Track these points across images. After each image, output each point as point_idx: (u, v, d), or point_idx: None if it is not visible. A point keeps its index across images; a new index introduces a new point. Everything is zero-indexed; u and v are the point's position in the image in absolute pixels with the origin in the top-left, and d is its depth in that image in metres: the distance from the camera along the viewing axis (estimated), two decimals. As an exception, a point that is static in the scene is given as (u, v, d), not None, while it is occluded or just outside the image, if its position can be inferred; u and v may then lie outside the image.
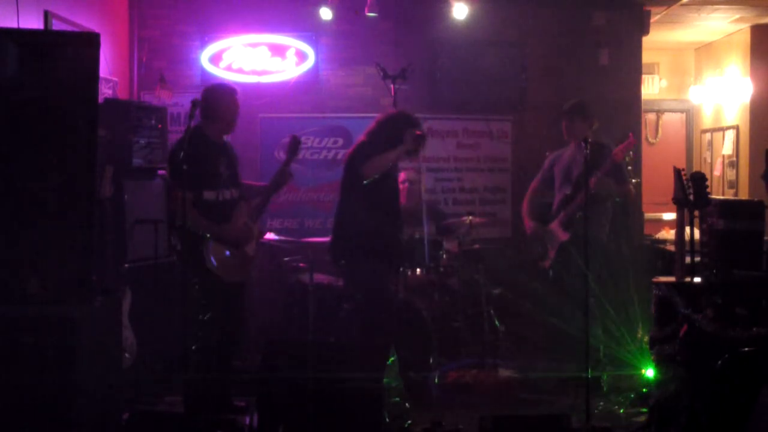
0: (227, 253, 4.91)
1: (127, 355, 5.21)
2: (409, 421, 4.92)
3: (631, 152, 7.01)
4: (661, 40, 9.18)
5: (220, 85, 5.35)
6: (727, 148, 9.19)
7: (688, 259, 4.63)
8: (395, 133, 5.26)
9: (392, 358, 4.72)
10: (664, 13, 8.02)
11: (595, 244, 5.63)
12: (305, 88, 7.47)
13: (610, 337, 5.75)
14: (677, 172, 4.63)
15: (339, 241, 5.37)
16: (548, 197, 6.15)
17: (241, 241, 5.00)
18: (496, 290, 6.49)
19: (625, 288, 5.99)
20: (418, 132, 5.26)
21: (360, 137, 5.45)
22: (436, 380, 5.67)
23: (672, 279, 4.69)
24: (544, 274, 6.03)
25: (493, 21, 7.44)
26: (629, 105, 7.69)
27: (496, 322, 6.30)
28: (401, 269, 5.84)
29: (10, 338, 3.93)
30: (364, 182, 5.16)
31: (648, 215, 8.11)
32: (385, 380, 4.55)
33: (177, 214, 4.80)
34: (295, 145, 5.22)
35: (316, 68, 7.44)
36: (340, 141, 7.38)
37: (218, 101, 5.02)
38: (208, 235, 4.85)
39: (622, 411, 5.34)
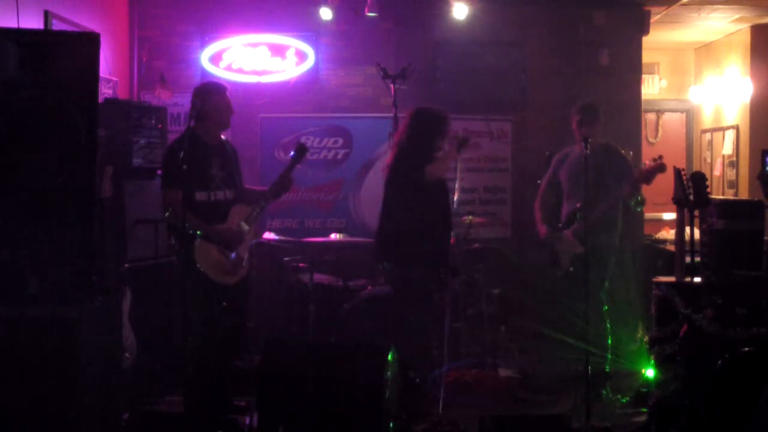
0: (217, 253, 4.91)
1: (127, 355, 5.21)
2: (409, 421, 4.93)
3: (631, 152, 7.01)
4: (661, 40, 9.18)
5: (208, 84, 5.30)
6: (727, 148, 9.19)
7: (688, 259, 4.63)
8: (433, 126, 5.32)
9: (392, 358, 4.72)
10: (664, 13, 8.02)
11: (609, 253, 5.62)
12: (305, 88, 7.47)
13: (615, 341, 5.74)
14: (677, 172, 4.64)
15: (388, 244, 5.34)
16: (554, 198, 6.10)
17: (233, 242, 4.98)
18: (496, 290, 6.49)
19: (626, 288, 5.99)
20: (460, 137, 5.36)
21: (397, 144, 5.39)
22: (436, 380, 5.67)
23: (672, 279, 4.70)
24: (549, 276, 6.01)
25: (493, 21, 7.44)
26: (629, 105, 7.69)
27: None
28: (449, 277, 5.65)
29: (10, 338, 3.93)
30: (425, 180, 5.22)
31: (648, 215, 8.10)
32: (385, 380, 4.55)
33: (170, 214, 4.81)
34: (300, 153, 5.15)
35: (316, 68, 7.44)
36: (340, 141, 7.37)
37: (205, 100, 4.98)
38: (199, 233, 4.82)
39: (622, 411, 5.34)
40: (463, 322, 6.20)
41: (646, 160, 5.65)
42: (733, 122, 9.05)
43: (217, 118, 5.04)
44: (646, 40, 7.85)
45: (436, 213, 5.29)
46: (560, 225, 5.87)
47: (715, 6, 7.83)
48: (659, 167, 5.42)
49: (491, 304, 6.34)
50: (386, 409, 4.53)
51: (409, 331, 5.20)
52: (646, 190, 5.74)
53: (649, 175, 5.49)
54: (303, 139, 7.22)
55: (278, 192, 5.18)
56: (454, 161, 5.43)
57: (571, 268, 5.71)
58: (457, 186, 5.65)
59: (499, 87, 7.47)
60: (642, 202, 5.75)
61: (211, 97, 5.01)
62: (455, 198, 5.86)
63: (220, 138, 5.16)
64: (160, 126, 6.21)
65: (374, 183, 5.52)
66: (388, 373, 4.60)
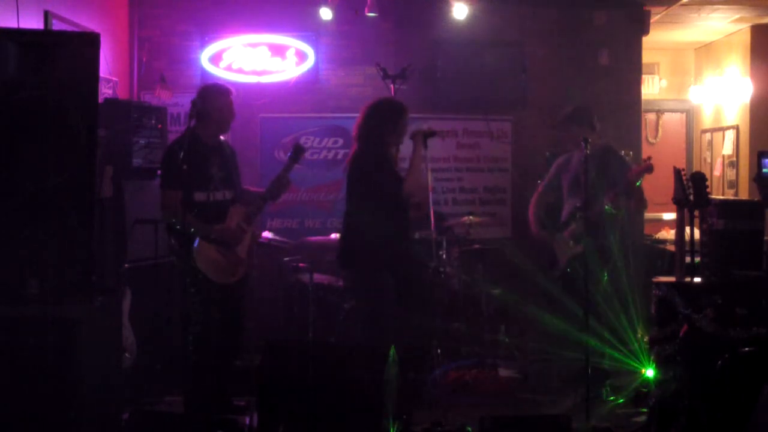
0: (216, 253, 4.90)
1: (127, 355, 5.21)
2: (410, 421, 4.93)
3: (631, 153, 7.02)
4: (661, 40, 9.18)
5: (213, 86, 5.28)
6: (727, 148, 9.19)
7: (688, 259, 4.63)
8: (391, 124, 5.16)
9: (392, 358, 4.71)
10: (664, 13, 8.02)
11: (607, 252, 5.63)
12: (305, 88, 7.47)
13: (614, 341, 5.74)
14: (677, 172, 4.63)
15: (350, 250, 5.20)
16: (552, 199, 6.11)
17: (232, 242, 4.98)
18: (496, 290, 6.49)
19: (626, 288, 5.99)
20: (425, 130, 5.24)
21: (355, 145, 5.23)
22: (436, 380, 5.67)
23: (672, 279, 4.69)
24: (549, 276, 6.02)
25: (493, 21, 7.44)
26: (629, 105, 7.69)
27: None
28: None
29: (10, 338, 3.93)
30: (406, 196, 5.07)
31: (648, 215, 8.10)
32: (385, 380, 4.55)
33: (169, 214, 4.81)
34: (297, 153, 5.15)
35: (316, 68, 7.44)
36: (340, 141, 7.38)
37: (208, 102, 4.98)
38: (196, 233, 4.82)
39: (622, 411, 5.34)
40: (463, 322, 6.20)
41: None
42: (733, 122, 9.05)
43: (218, 120, 5.04)
44: (646, 40, 7.85)
45: (396, 214, 5.14)
46: (560, 225, 5.89)
47: (715, 6, 7.83)
48: (646, 168, 5.50)
49: (491, 304, 6.34)
50: (386, 410, 4.53)
51: (380, 332, 5.13)
52: (646, 191, 5.74)
53: (636, 178, 5.57)
54: (303, 140, 7.24)
55: (276, 192, 5.18)
56: (423, 159, 5.26)
57: (568, 269, 5.72)
58: (430, 180, 5.49)
59: (498, 87, 7.47)
60: (644, 205, 5.79)
61: (214, 99, 5.02)
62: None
63: (219, 139, 5.17)
64: (160, 126, 6.21)
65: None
66: (388, 373, 4.60)
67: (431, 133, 5.28)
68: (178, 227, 4.70)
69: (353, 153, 5.21)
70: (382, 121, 5.14)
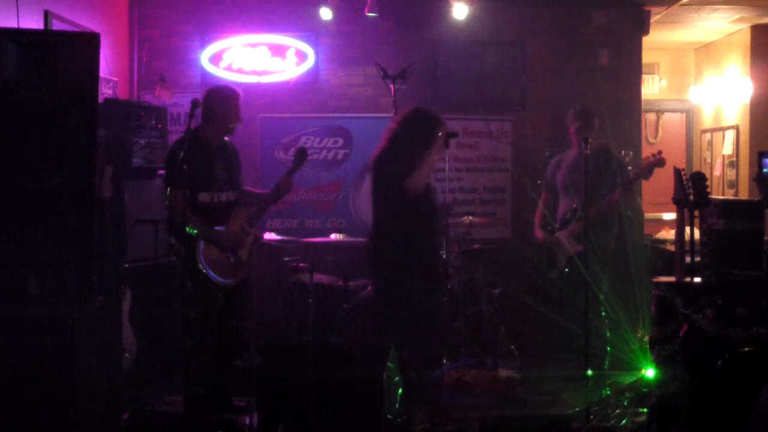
0: (219, 254, 4.90)
1: (127, 355, 5.21)
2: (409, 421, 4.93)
3: (631, 152, 7.02)
4: (661, 40, 9.18)
5: (221, 88, 5.28)
6: (727, 148, 9.19)
7: (688, 259, 4.63)
8: (423, 134, 5.13)
9: (392, 359, 4.71)
10: (664, 13, 8.02)
11: (606, 253, 5.64)
12: (305, 88, 7.47)
13: (614, 341, 5.75)
14: (677, 172, 4.64)
15: (377, 252, 5.19)
16: (553, 203, 6.13)
17: (235, 244, 4.99)
18: (496, 290, 6.49)
19: (626, 288, 6.00)
20: (448, 130, 5.22)
21: (383, 143, 5.18)
22: (436, 380, 5.66)
23: (672, 279, 4.69)
24: (548, 276, 6.02)
25: (493, 21, 7.44)
26: (629, 105, 7.68)
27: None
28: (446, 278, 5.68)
29: (10, 338, 3.93)
30: (410, 197, 5.02)
31: (648, 215, 8.10)
32: (385, 380, 4.55)
33: (173, 214, 4.81)
34: (301, 157, 5.20)
35: (316, 68, 7.44)
36: (340, 141, 7.38)
37: (215, 103, 5.00)
38: (199, 234, 4.82)
39: (622, 411, 5.34)
40: (463, 322, 6.20)
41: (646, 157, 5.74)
42: (733, 122, 9.05)
43: (221, 122, 5.05)
44: (646, 40, 7.84)
45: (422, 218, 5.13)
46: (555, 227, 5.91)
47: (715, 6, 7.83)
48: (657, 162, 5.57)
49: (491, 304, 6.34)
50: (386, 410, 4.53)
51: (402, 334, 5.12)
52: (646, 191, 5.75)
53: (647, 171, 5.64)
54: (303, 140, 7.24)
55: (279, 195, 5.23)
56: (441, 159, 5.30)
57: (567, 270, 5.73)
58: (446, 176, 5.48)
59: (499, 87, 7.47)
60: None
61: (219, 101, 5.03)
62: (446, 196, 5.81)
63: (223, 139, 5.17)
64: (160, 126, 6.22)
65: (374, 183, 5.52)
66: (388, 373, 4.60)
67: (454, 134, 5.29)
68: (179, 227, 4.68)
69: (379, 153, 5.16)
70: (417, 132, 5.11)
